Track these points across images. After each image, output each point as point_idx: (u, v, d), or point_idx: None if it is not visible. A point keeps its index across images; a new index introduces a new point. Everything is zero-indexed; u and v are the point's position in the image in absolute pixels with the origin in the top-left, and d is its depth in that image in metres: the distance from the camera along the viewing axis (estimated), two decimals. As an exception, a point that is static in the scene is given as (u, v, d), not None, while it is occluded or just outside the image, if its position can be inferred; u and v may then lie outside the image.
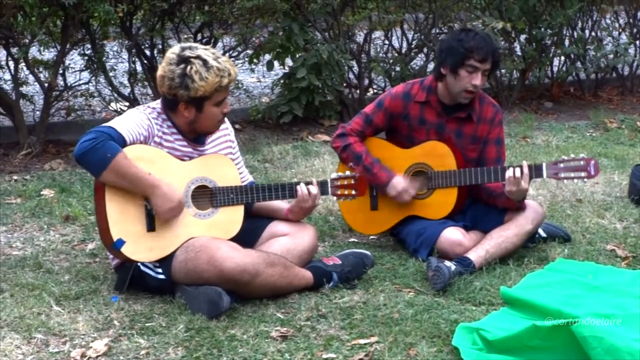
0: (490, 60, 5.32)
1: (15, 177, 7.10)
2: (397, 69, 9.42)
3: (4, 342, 4.26)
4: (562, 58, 10.37)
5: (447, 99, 5.47)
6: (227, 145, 5.07)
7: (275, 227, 5.08)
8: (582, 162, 5.23)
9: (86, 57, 8.10)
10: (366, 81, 9.58)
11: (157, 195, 4.63)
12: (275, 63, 8.94)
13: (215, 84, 4.66)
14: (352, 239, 5.78)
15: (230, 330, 4.40)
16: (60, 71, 8.04)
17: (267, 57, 8.90)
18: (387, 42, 9.89)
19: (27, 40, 7.69)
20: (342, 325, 4.47)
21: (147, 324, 4.47)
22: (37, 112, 8.30)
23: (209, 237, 4.71)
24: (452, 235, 5.28)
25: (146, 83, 8.56)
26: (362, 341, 4.29)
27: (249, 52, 8.89)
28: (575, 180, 5.29)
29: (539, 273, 5.13)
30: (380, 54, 9.76)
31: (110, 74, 8.29)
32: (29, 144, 7.64)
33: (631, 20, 10.91)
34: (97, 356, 4.15)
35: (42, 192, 6.66)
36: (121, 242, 4.63)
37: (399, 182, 5.44)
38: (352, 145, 5.51)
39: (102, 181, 4.60)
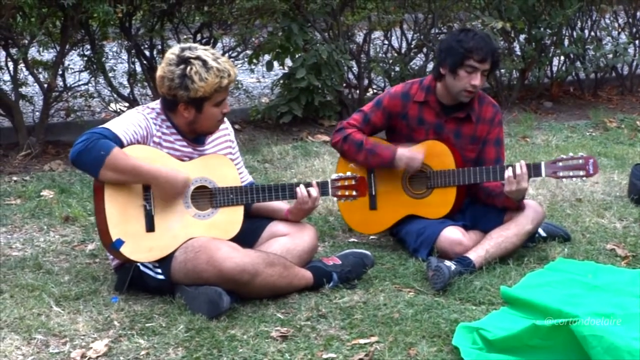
0: (489, 61, 5.32)
1: (14, 178, 7.10)
2: (397, 69, 9.42)
3: (4, 342, 4.26)
4: (562, 58, 10.37)
5: (446, 99, 5.47)
6: (226, 145, 5.07)
7: (274, 227, 5.08)
8: (580, 161, 5.22)
9: (85, 58, 8.10)
10: (366, 81, 9.58)
11: (159, 182, 4.64)
12: (275, 63, 8.94)
13: (215, 85, 4.65)
14: (352, 239, 5.78)
15: (231, 330, 4.40)
16: (60, 72, 8.04)
17: (267, 57, 8.90)
18: (386, 42, 9.90)
19: (26, 41, 7.69)
20: (342, 325, 4.47)
21: (147, 325, 4.47)
22: (37, 113, 8.30)
23: (208, 237, 4.71)
24: (452, 234, 5.29)
25: (146, 84, 8.56)
26: (362, 341, 4.29)
27: (249, 52, 8.89)
28: (574, 179, 5.28)
29: (539, 272, 5.13)
30: (380, 54, 9.76)
31: (110, 74, 8.29)
32: (29, 144, 7.64)
33: (630, 20, 10.91)
34: (97, 357, 4.15)
35: (41, 193, 6.66)
36: (120, 243, 4.63)
37: (403, 153, 5.40)
38: (351, 135, 5.50)
39: (103, 180, 4.59)
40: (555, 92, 10.47)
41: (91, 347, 4.22)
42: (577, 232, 5.83)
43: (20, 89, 7.96)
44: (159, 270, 4.73)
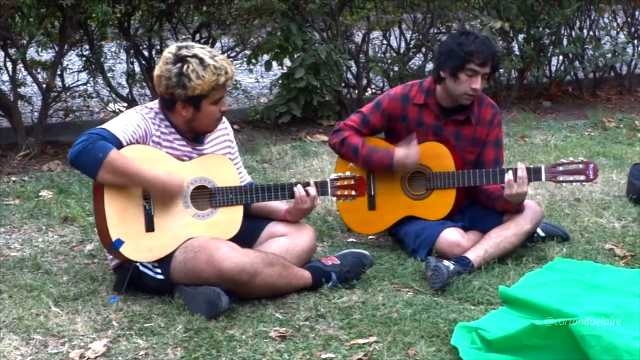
0: (490, 64, 5.31)
1: (13, 178, 7.10)
2: (396, 68, 9.42)
3: (3, 343, 4.26)
4: (561, 57, 10.37)
5: (445, 101, 5.46)
6: (226, 145, 5.07)
7: (273, 227, 5.08)
8: (581, 166, 5.22)
9: (84, 58, 8.09)
10: (364, 81, 9.58)
11: (157, 185, 4.65)
12: (274, 63, 8.94)
13: (212, 82, 4.65)
14: (350, 239, 5.78)
15: (229, 330, 4.40)
16: (58, 72, 8.03)
17: (266, 57, 8.90)
18: (385, 42, 9.89)
19: (25, 41, 7.68)
20: (341, 325, 4.47)
21: (145, 325, 4.47)
22: (35, 113, 8.31)
23: (208, 237, 4.71)
24: (451, 236, 5.28)
25: (144, 84, 8.55)
26: (360, 341, 4.29)
27: (247, 52, 8.88)
28: (574, 184, 5.29)
29: (538, 272, 5.13)
30: (379, 54, 9.76)
31: (109, 74, 8.28)
32: (27, 145, 7.63)
33: (629, 20, 10.92)
34: (96, 357, 4.15)
35: (40, 193, 6.65)
36: (120, 242, 4.63)
37: (399, 154, 5.39)
38: (348, 138, 5.49)
39: (100, 181, 4.60)
40: (554, 92, 10.47)
41: (90, 348, 4.22)
42: (575, 231, 5.83)
43: (18, 89, 7.95)
44: (159, 270, 4.73)
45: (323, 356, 4.16)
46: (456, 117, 5.46)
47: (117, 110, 8.42)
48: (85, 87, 8.38)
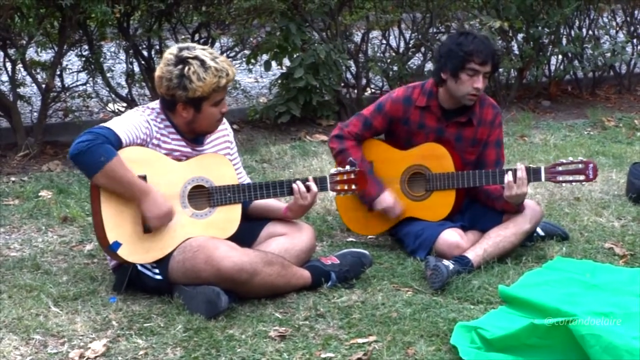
0: (490, 63, 5.30)
1: (13, 179, 7.10)
2: (395, 68, 9.42)
3: (2, 343, 4.26)
4: (560, 57, 10.37)
5: (447, 103, 5.44)
6: (225, 146, 5.06)
7: (273, 226, 5.08)
8: (580, 166, 5.21)
9: (83, 58, 8.09)
10: (364, 81, 9.59)
11: (147, 202, 4.62)
12: (273, 63, 8.94)
13: (213, 85, 4.65)
14: (350, 239, 5.77)
15: (229, 330, 4.40)
16: (58, 72, 8.02)
17: (265, 57, 8.90)
18: (384, 41, 9.89)
19: (24, 42, 7.67)
20: (341, 325, 4.48)
21: (145, 325, 4.47)
22: (35, 114, 8.31)
23: (206, 236, 4.71)
24: (451, 237, 5.27)
25: (144, 84, 8.55)
26: (360, 340, 4.29)
27: (247, 52, 8.88)
28: (574, 184, 5.29)
29: (537, 271, 5.13)
30: (378, 54, 9.76)
31: (108, 74, 8.28)
32: (27, 145, 7.63)
33: (628, 19, 10.92)
34: (96, 357, 4.15)
35: (39, 194, 6.65)
36: (117, 245, 4.63)
37: (386, 199, 5.44)
38: (348, 151, 5.47)
39: (95, 183, 4.60)
40: (553, 91, 10.47)
41: (89, 347, 4.22)
42: (575, 231, 5.83)
43: (18, 90, 7.95)
44: (157, 271, 4.73)
45: (323, 356, 4.16)
46: (458, 119, 5.45)
47: (117, 111, 8.43)
48: (84, 87, 8.38)
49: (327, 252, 5.40)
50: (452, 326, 4.37)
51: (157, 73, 4.73)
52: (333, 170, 5.13)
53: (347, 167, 5.12)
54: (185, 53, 4.67)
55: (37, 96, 8.51)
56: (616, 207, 6.28)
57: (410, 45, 9.77)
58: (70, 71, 8.49)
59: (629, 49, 10.64)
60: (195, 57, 4.65)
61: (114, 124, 4.66)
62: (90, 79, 8.27)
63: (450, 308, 4.66)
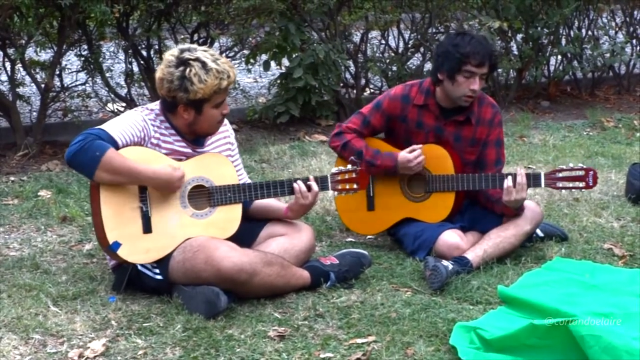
0: (487, 64, 5.28)
1: (12, 178, 7.10)
2: (394, 68, 9.42)
3: (2, 342, 4.26)
4: (559, 57, 10.38)
5: (445, 102, 5.44)
6: (226, 147, 5.05)
7: (272, 227, 5.08)
8: (580, 172, 5.20)
9: (83, 58, 8.09)
10: (363, 81, 9.59)
11: (157, 183, 4.64)
12: (272, 63, 8.94)
13: (214, 87, 4.65)
14: (349, 239, 5.78)
15: (228, 330, 4.40)
16: (57, 72, 8.02)
17: (264, 57, 8.89)
18: (383, 41, 9.90)
19: (23, 41, 7.68)
20: (340, 325, 4.48)
21: (144, 324, 4.47)
22: (34, 113, 8.30)
23: (206, 236, 4.71)
24: (450, 238, 5.27)
25: (143, 84, 8.56)
26: (359, 340, 4.29)
27: (246, 52, 8.88)
28: (573, 190, 5.29)
29: (536, 272, 5.13)
30: (377, 54, 9.76)
31: (107, 74, 8.28)
32: (26, 145, 7.63)
33: (627, 19, 10.93)
34: (95, 356, 4.15)
35: (39, 193, 6.65)
36: (117, 245, 4.63)
37: (404, 157, 5.38)
38: (350, 142, 5.48)
39: (98, 181, 4.59)
40: (552, 92, 10.48)
41: (89, 347, 4.22)
42: (574, 231, 5.83)
43: (17, 89, 7.95)
44: (157, 271, 4.73)
45: (322, 356, 4.16)
46: (456, 117, 5.45)
47: (116, 110, 8.43)
48: (83, 87, 8.39)
49: (327, 252, 5.40)
50: (451, 326, 4.37)
51: (158, 74, 4.72)
52: (334, 170, 5.12)
53: (349, 166, 5.11)
54: (186, 54, 4.66)
55: (36, 96, 8.51)
56: (615, 208, 6.28)
57: (409, 46, 9.77)
58: (70, 71, 8.50)
59: (628, 49, 10.64)
60: (197, 59, 4.64)
61: (108, 126, 4.66)
62: (90, 78, 8.28)
63: (449, 308, 4.66)
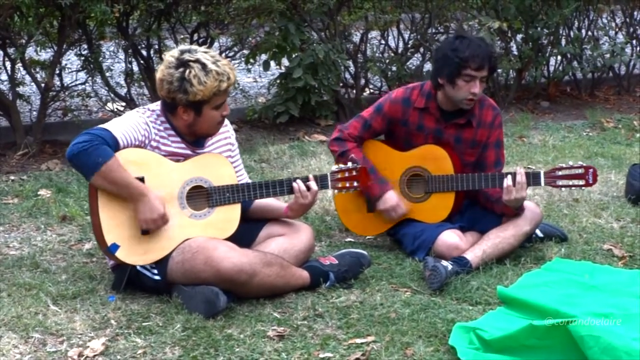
0: (486, 67, 5.28)
1: (12, 177, 7.10)
2: (394, 68, 9.42)
3: (2, 341, 4.26)
4: (559, 57, 10.37)
5: (446, 105, 5.43)
6: (227, 148, 5.05)
7: (271, 227, 5.08)
8: (580, 170, 5.20)
9: (83, 58, 8.09)
10: (362, 81, 9.58)
11: (141, 205, 4.62)
12: (272, 63, 8.93)
13: (214, 89, 4.64)
14: (348, 239, 5.78)
15: (227, 329, 4.41)
16: (57, 71, 8.02)
17: (264, 57, 8.89)
18: (383, 42, 9.89)
19: (23, 41, 7.67)
20: (339, 325, 4.48)
21: (144, 324, 4.47)
22: (34, 113, 8.30)
23: (205, 237, 4.71)
24: (450, 238, 5.27)
25: (142, 83, 8.55)
26: (358, 340, 4.29)
27: (246, 52, 8.88)
28: (573, 188, 5.28)
29: (536, 272, 5.13)
30: (377, 54, 9.75)
31: (107, 74, 8.27)
32: (26, 144, 7.63)
33: (627, 20, 10.92)
34: (94, 355, 4.16)
35: (39, 192, 6.65)
36: (115, 247, 4.63)
37: (391, 198, 5.43)
38: (349, 152, 5.45)
39: (93, 184, 4.60)
40: (552, 92, 10.47)
41: (88, 346, 4.23)
42: (574, 232, 5.83)
43: (17, 89, 7.94)
44: (156, 271, 4.73)
45: (321, 356, 4.16)
46: (457, 120, 5.44)
47: (116, 110, 8.43)
48: (83, 86, 8.38)
49: (326, 253, 5.40)
50: (450, 327, 4.37)
51: (158, 75, 4.72)
52: (334, 168, 5.11)
53: (349, 164, 5.10)
54: (186, 56, 4.66)
55: (36, 95, 8.51)
56: (615, 209, 6.28)
57: (409, 46, 9.76)
58: (70, 70, 8.50)
59: (628, 50, 10.63)
60: (197, 60, 4.64)
61: (111, 126, 4.65)
62: (90, 78, 8.27)
63: (448, 309, 4.66)
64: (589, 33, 10.58)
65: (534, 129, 9.05)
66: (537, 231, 5.57)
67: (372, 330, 4.41)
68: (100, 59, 8.07)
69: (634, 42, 10.91)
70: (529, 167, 7.16)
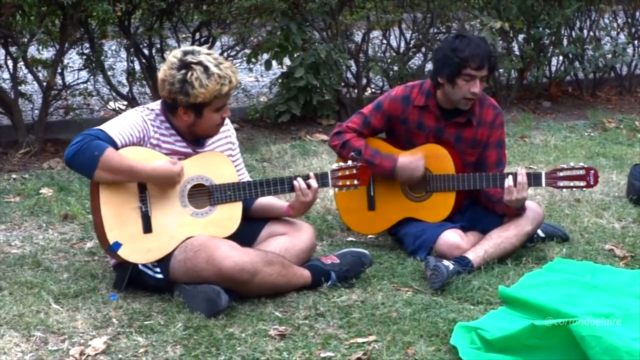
0: (486, 66, 5.28)
1: (14, 176, 7.10)
2: (395, 68, 9.42)
3: (3, 340, 4.26)
4: (561, 58, 10.37)
5: (446, 103, 5.43)
6: (227, 147, 5.05)
7: (273, 226, 5.08)
8: (581, 172, 5.21)
9: (85, 56, 8.10)
10: (364, 81, 9.58)
11: (157, 180, 4.64)
12: (274, 62, 8.95)
13: (215, 92, 4.64)
14: (350, 238, 5.78)
15: (229, 328, 4.41)
16: (59, 70, 8.03)
17: (265, 56, 8.90)
18: (385, 41, 9.89)
19: (25, 40, 7.68)
20: (340, 324, 4.48)
21: (145, 322, 4.47)
22: (36, 111, 8.31)
23: (207, 236, 4.71)
24: (451, 238, 5.27)
25: (144, 82, 8.55)
26: (360, 340, 4.29)
27: (247, 51, 8.88)
28: (574, 190, 5.28)
29: (537, 272, 5.13)
30: (378, 54, 9.75)
31: (109, 73, 8.28)
32: (28, 142, 7.64)
33: (629, 20, 10.92)
34: (96, 354, 4.16)
35: (40, 191, 6.66)
36: (117, 245, 4.63)
37: (405, 161, 5.38)
38: (350, 141, 5.47)
39: (98, 181, 4.59)
40: (553, 92, 10.47)
41: (90, 345, 4.23)
42: (575, 232, 5.83)
43: (19, 87, 7.96)
44: (158, 270, 4.73)
45: (322, 355, 4.16)
46: (457, 119, 5.44)
47: (117, 109, 8.43)
48: (85, 85, 8.39)
49: (327, 252, 5.40)
50: (452, 326, 4.37)
51: (160, 75, 4.71)
52: (334, 166, 5.11)
53: (349, 162, 5.10)
54: (189, 58, 4.65)
55: (38, 94, 8.51)
56: (617, 209, 6.28)
57: (410, 46, 9.76)
58: (72, 69, 8.49)
59: (629, 50, 10.64)
60: (199, 63, 4.63)
61: (106, 126, 4.66)
62: (91, 77, 8.28)
63: (450, 308, 4.66)
64: (591, 33, 10.58)
65: (536, 129, 9.05)
66: (539, 231, 5.57)
67: (373, 329, 4.41)
68: (102, 57, 8.08)
69: (636, 42, 10.91)
70: (530, 168, 7.17)
